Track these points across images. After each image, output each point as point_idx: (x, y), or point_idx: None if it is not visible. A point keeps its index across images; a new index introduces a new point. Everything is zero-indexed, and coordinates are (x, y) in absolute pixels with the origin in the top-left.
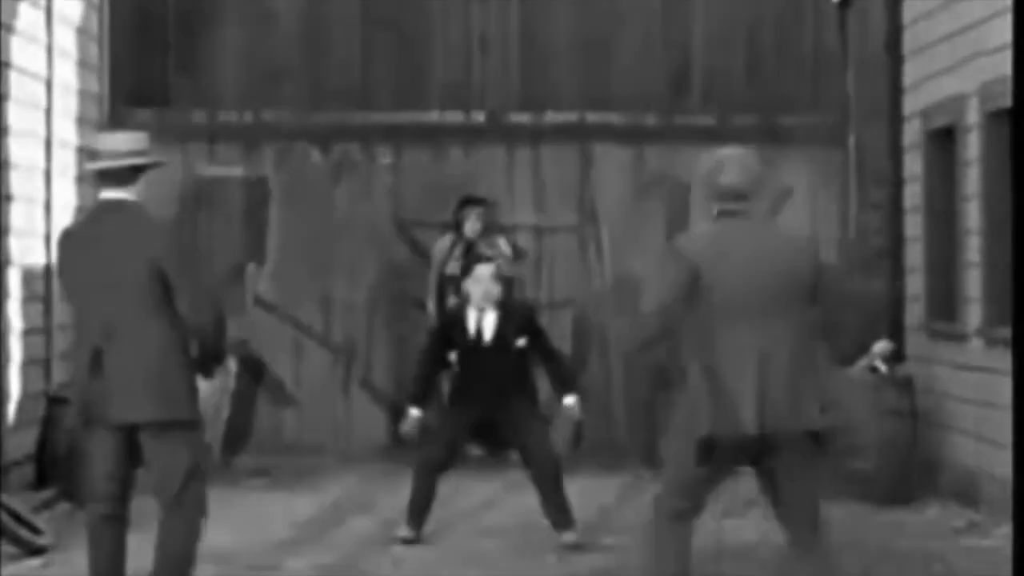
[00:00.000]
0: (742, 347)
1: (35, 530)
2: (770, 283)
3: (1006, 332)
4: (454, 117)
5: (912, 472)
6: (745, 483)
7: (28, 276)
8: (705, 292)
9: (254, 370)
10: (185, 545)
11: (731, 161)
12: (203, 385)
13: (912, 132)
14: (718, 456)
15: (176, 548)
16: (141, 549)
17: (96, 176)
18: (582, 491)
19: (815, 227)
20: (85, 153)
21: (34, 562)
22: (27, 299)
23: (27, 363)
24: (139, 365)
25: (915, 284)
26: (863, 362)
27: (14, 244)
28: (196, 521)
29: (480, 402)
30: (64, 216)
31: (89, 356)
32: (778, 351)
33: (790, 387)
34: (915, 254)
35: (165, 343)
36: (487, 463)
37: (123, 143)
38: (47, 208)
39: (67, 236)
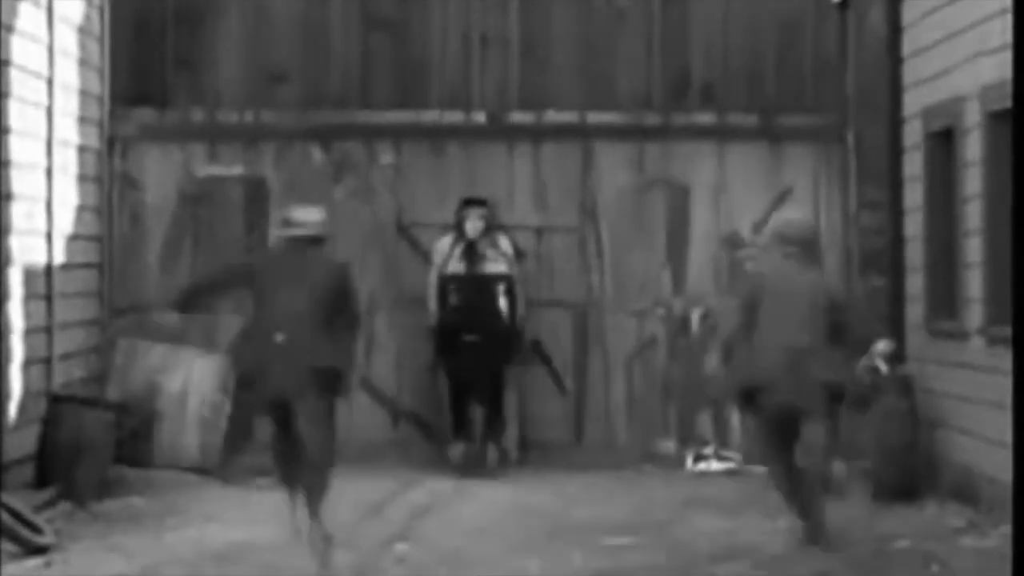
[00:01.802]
0: (779, 339)
1: (36, 529)
2: (800, 301)
3: (1006, 331)
4: (454, 117)
5: (912, 472)
6: (745, 484)
7: (29, 275)
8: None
9: None
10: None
11: (795, 219)
12: (203, 386)
13: (912, 133)
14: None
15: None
16: (142, 549)
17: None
18: (583, 490)
19: (815, 227)
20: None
21: (35, 561)
22: (28, 298)
23: (28, 362)
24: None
25: (915, 284)
26: (864, 362)
27: (15, 243)
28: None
29: None
30: (65, 214)
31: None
32: (801, 340)
33: (809, 358)
34: (915, 254)
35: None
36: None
37: (314, 215)
38: (48, 207)
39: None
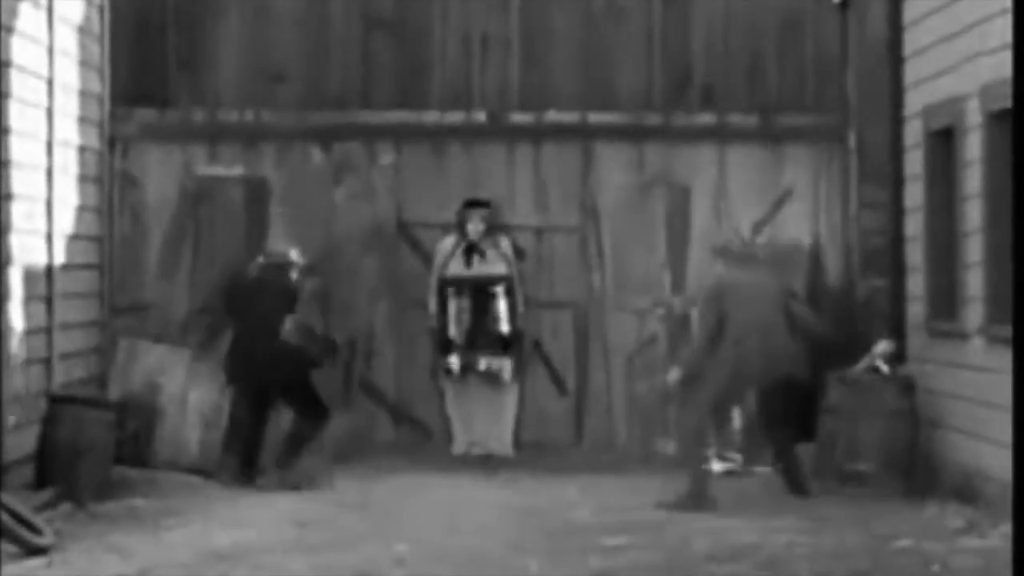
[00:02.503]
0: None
1: (36, 530)
2: (760, 305)
3: (1006, 331)
4: (455, 117)
5: (912, 472)
6: (745, 484)
7: (29, 275)
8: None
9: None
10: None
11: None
12: (204, 386)
13: (913, 132)
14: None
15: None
16: (142, 549)
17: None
18: (583, 490)
19: (815, 227)
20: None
21: (35, 562)
22: (28, 298)
23: (28, 362)
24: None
25: (916, 284)
26: (864, 362)
27: (15, 243)
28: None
29: None
30: (66, 214)
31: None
32: (772, 337)
33: (781, 354)
34: (916, 254)
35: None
36: (490, 465)
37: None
38: (48, 207)
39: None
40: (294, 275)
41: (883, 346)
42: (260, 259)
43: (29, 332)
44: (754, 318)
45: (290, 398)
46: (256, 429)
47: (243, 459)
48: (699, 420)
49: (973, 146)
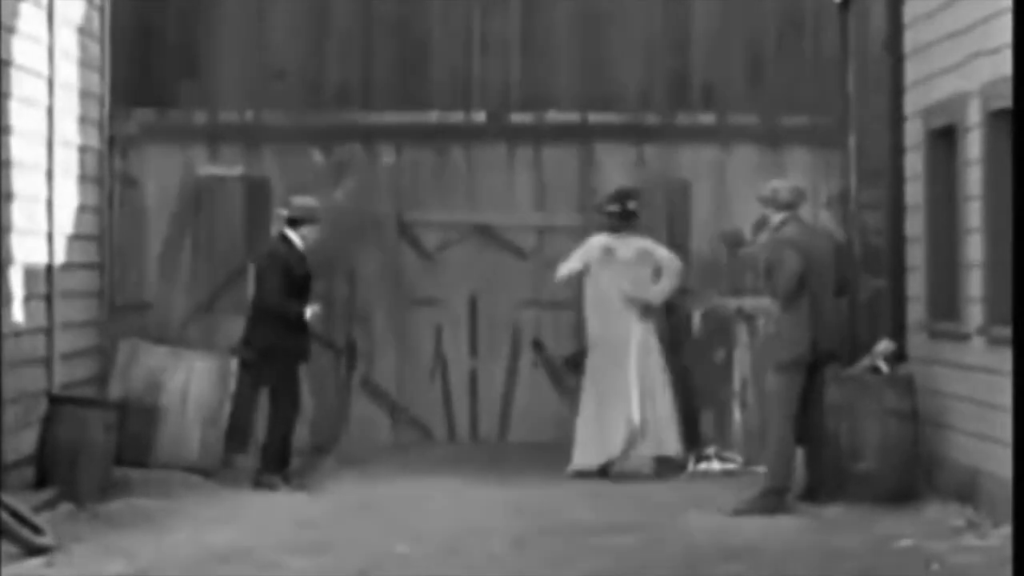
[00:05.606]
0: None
1: (36, 530)
2: (826, 266)
3: (1007, 332)
4: (455, 117)
5: (913, 472)
6: (746, 485)
7: (30, 275)
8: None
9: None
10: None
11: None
12: (204, 386)
13: (913, 132)
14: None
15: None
16: (143, 549)
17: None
18: (584, 490)
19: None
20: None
21: (35, 562)
22: (29, 298)
23: (28, 363)
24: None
25: (916, 284)
26: (865, 362)
27: (16, 243)
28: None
29: None
30: (66, 214)
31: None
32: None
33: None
34: (916, 254)
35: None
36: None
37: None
38: (49, 207)
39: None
40: (312, 234)
41: (884, 346)
42: (282, 211)
43: (29, 332)
44: (825, 282)
45: (272, 384)
46: (249, 413)
47: (261, 462)
48: (783, 409)
49: (973, 146)
